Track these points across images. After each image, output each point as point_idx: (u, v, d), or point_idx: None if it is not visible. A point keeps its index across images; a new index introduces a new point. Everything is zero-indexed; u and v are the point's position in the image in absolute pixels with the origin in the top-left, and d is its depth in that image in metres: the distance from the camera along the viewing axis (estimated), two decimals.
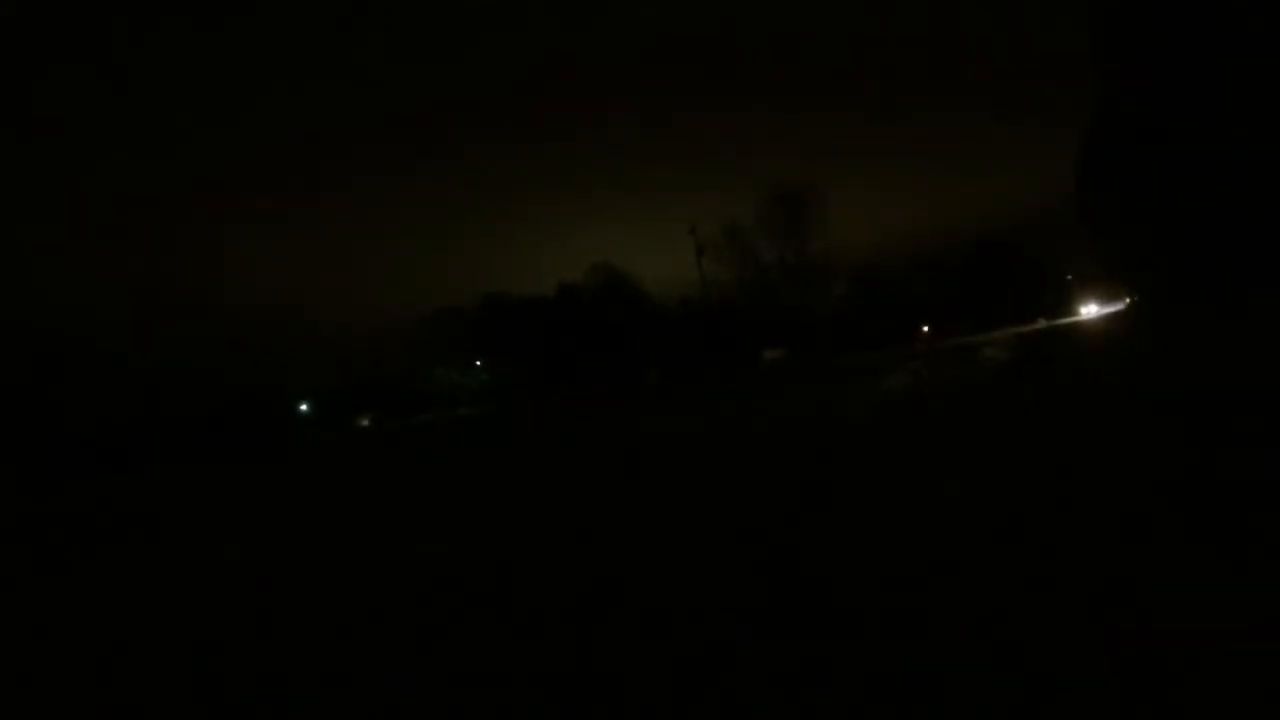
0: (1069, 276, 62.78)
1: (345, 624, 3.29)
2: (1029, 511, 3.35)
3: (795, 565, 3.07)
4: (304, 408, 56.75)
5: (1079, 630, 2.04)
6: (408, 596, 3.64)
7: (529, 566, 3.85)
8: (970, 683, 1.85)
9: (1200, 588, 2.20)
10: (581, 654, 2.44)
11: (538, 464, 9.37)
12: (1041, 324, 54.62)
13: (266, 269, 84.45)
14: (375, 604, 3.59)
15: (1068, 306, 60.47)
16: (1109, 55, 13.47)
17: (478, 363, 54.46)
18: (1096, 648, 1.93)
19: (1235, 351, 8.53)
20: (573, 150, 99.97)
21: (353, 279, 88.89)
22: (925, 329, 61.90)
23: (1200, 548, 2.52)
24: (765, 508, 4.39)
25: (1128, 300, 24.63)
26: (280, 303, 79.56)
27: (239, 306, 77.50)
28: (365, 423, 54.90)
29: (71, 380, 45.23)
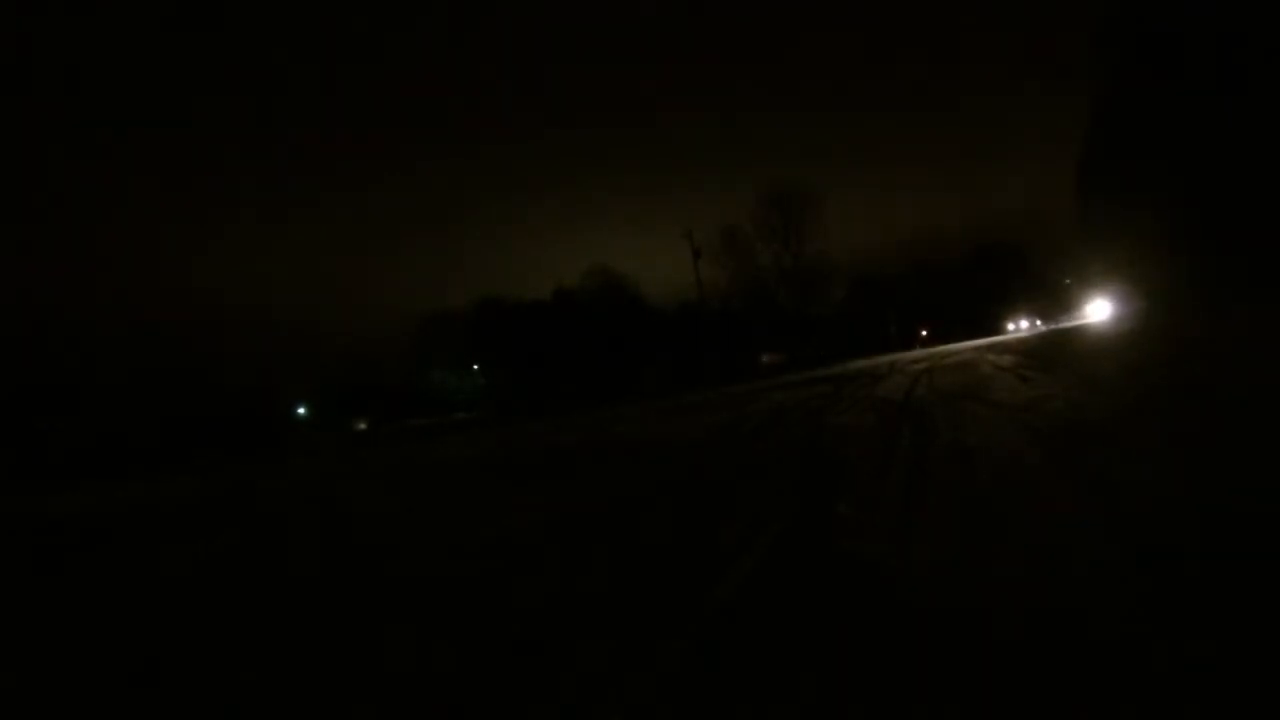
0: (1068, 280, 62.92)
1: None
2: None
3: None
4: (301, 410, 56.57)
5: None
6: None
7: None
8: None
9: None
10: None
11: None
12: (1041, 327, 54.67)
13: (264, 271, 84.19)
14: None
15: (1067, 310, 60.64)
16: (1109, 54, 13.38)
17: (474, 366, 54.29)
18: None
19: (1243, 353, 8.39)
20: (569, 153, 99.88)
21: (350, 282, 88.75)
22: (924, 333, 61.98)
23: None
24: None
25: (1129, 303, 24.55)
26: (277, 304, 79.37)
27: (236, 308, 77.28)
28: (362, 426, 54.78)
29: (67, 381, 44.90)
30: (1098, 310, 31.90)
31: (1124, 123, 13.42)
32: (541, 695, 2.09)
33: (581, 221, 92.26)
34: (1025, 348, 20.37)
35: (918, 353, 39.73)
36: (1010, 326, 62.10)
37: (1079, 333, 24.51)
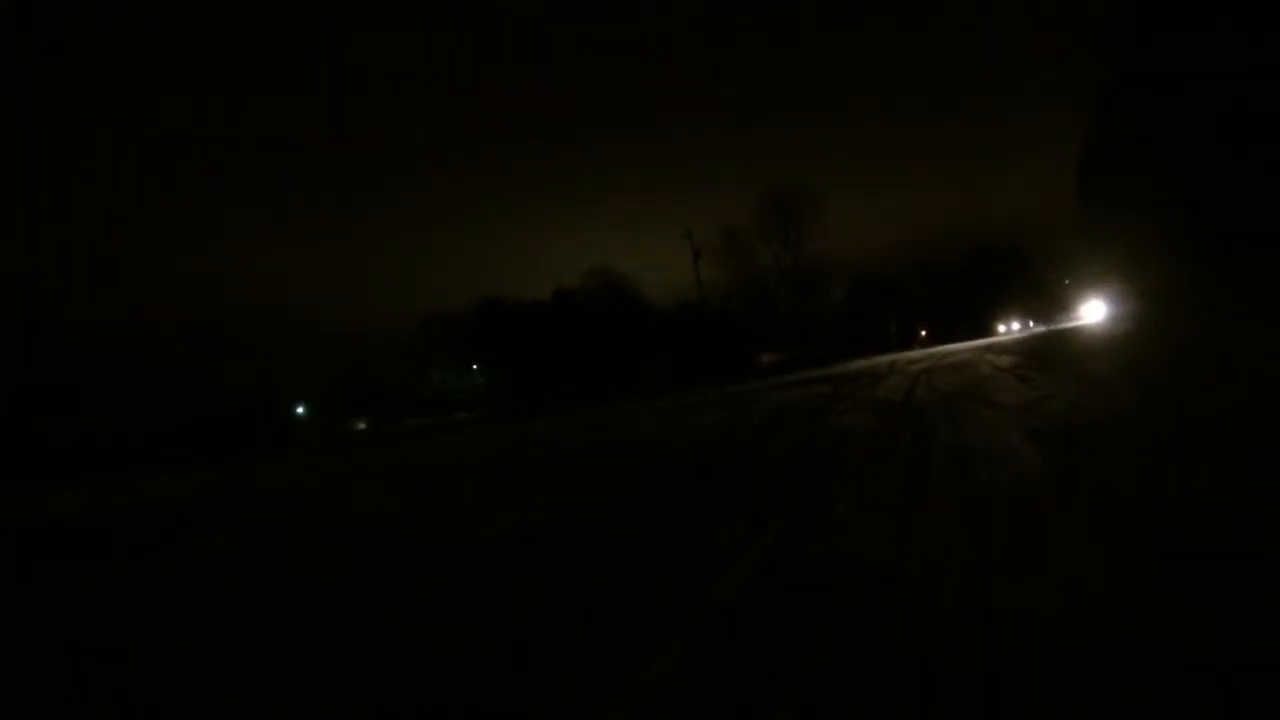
0: (1067, 280, 62.91)
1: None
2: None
3: None
4: (300, 410, 56.54)
5: None
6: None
7: None
8: None
9: None
10: None
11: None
12: (1041, 328, 54.71)
13: (263, 270, 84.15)
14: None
15: (1067, 310, 60.68)
16: (1109, 54, 13.40)
17: (474, 366, 54.28)
18: None
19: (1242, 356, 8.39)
20: (569, 153, 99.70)
21: (350, 281, 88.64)
22: (923, 333, 62.04)
23: None
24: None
25: (1128, 303, 24.52)
26: (277, 304, 79.36)
27: (236, 307, 77.31)
28: (361, 426, 54.74)
29: (67, 381, 44.90)
30: (1097, 311, 31.85)
31: (1124, 123, 13.43)
32: (541, 697, 2.09)
33: (581, 221, 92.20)
34: (1025, 348, 20.39)
35: (917, 353, 39.72)
36: (1000, 328, 62.13)
37: (1079, 333, 24.52)
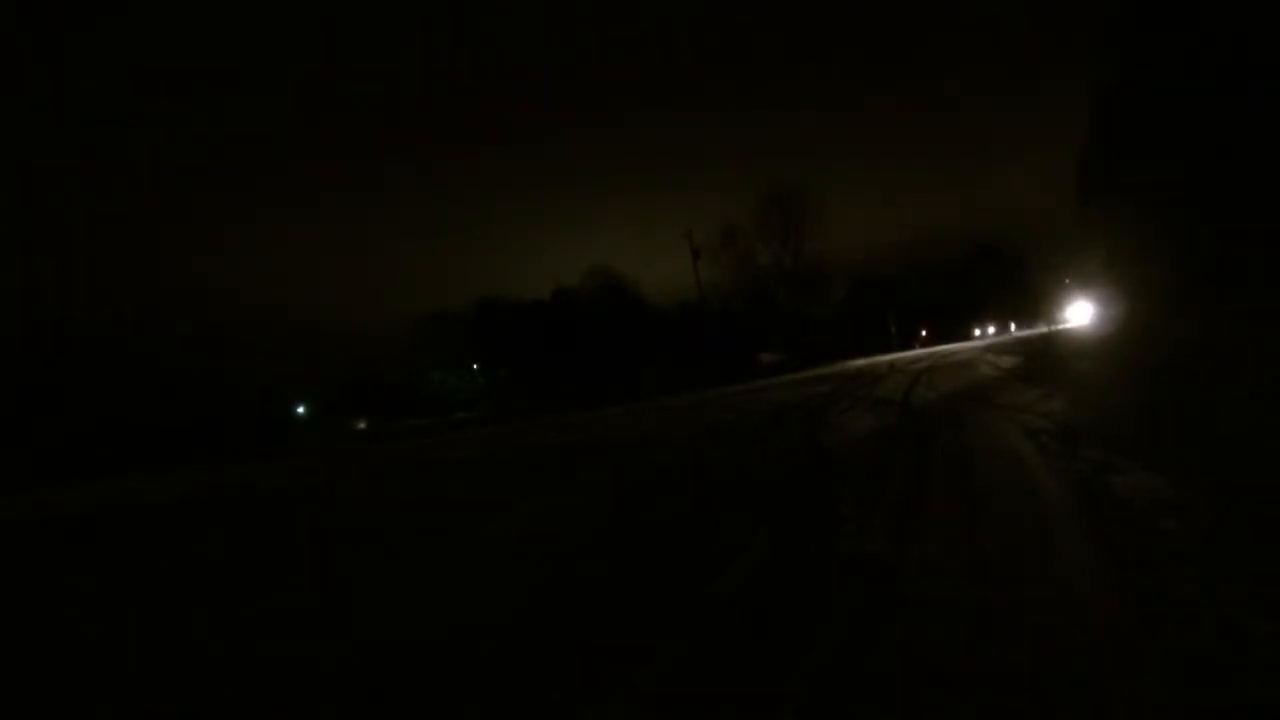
0: (1067, 280, 62.80)
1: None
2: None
3: None
4: (300, 410, 56.53)
5: None
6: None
7: None
8: None
9: None
10: None
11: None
12: (1043, 328, 54.63)
13: (264, 271, 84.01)
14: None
15: (1066, 310, 60.53)
16: (1109, 53, 13.40)
17: (474, 366, 54.31)
18: None
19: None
20: (569, 153, 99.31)
21: (350, 282, 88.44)
22: (924, 333, 62.04)
23: None
24: None
25: (1127, 303, 24.46)
26: (277, 304, 79.16)
27: (236, 308, 77.22)
28: (362, 425, 54.72)
29: (66, 379, 44.89)
30: (1096, 311, 31.81)
31: (1124, 123, 13.43)
32: (541, 697, 2.10)
33: (581, 221, 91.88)
34: (1026, 349, 20.38)
35: (917, 352, 39.72)
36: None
37: (1078, 334, 24.49)
